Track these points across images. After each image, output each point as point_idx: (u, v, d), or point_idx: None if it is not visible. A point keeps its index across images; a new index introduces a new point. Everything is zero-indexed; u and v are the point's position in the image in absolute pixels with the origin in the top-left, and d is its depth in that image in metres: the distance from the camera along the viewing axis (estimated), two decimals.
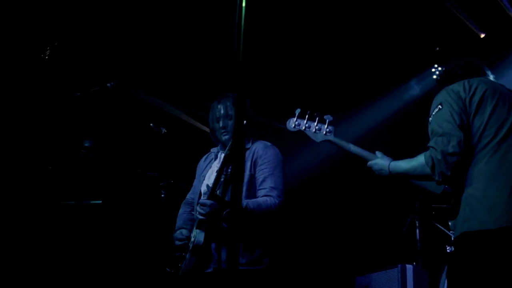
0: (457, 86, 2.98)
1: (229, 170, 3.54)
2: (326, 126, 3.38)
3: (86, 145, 4.77)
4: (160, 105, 6.31)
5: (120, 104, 5.79)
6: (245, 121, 3.47)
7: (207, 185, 3.62)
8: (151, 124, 4.62)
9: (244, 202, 3.53)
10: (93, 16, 5.59)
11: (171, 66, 6.28)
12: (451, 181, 2.87)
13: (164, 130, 4.61)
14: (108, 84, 4.17)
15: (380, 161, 3.20)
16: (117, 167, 4.83)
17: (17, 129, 5.41)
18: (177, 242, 3.78)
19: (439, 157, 2.78)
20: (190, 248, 3.60)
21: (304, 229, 6.77)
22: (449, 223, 3.02)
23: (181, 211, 4.14)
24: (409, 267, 4.90)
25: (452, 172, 2.77)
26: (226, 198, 3.52)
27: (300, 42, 6.26)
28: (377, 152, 3.26)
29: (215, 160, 3.99)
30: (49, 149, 5.26)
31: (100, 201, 4.98)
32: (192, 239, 3.64)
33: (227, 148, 3.56)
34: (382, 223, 6.41)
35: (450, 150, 2.77)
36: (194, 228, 3.65)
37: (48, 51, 5.11)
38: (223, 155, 3.86)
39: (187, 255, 3.64)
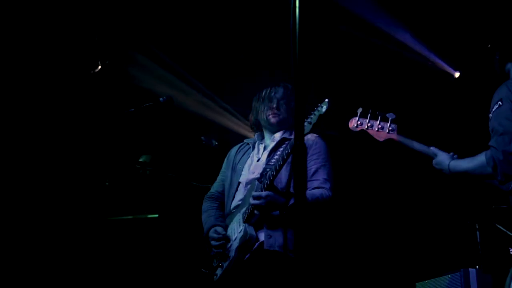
0: None
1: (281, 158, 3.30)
2: (389, 124, 3.33)
3: (141, 160, 4.86)
4: (212, 117, 6.35)
5: (173, 118, 5.86)
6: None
7: (254, 178, 3.42)
8: (202, 137, 4.66)
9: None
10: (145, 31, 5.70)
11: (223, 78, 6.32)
12: None
13: (215, 143, 4.63)
14: (161, 99, 4.21)
15: (440, 159, 3.15)
16: (172, 180, 4.87)
17: (74, 147, 5.54)
18: (214, 242, 3.52)
19: (501, 157, 2.71)
20: (238, 244, 3.33)
21: (364, 233, 6.68)
22: None
23: (206, 206, 3.87)
24: (472, 271, 4.74)
25: None
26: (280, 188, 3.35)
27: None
28: (431, 148, 3.21)
29: (253, 150, 3.73)
30: (105, 165, 5.36)
31: (157, 215, 5.05)
32: (236, 235, 3.40)
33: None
34: (442, 226, 6.27)
35: None
36: (238, 223, 3.42)
37: (100, 68, 5.22)
38: (261, 145, 3.70)
39: (232, 254, 3.38)
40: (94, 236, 5.42)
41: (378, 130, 3.32)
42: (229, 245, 3.45)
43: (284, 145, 3.45)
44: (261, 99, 3.71)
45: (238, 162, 3.74)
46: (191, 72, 6.15)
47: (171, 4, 5.68)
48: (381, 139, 3.32)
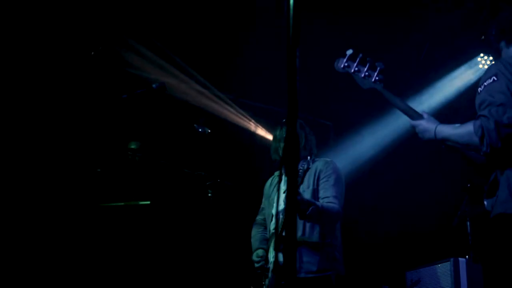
0: None
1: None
2: (376, 74, 3.12)
3: (133, 147, 4.85)
4: (204, 105, 6.33)
5: (165, 105, 5.84)
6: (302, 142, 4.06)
7: (283, 209, 3.82)
8: (195, 125, 4.66)
9: (319, 203, 3.80)
10: (137, 19, 5.66)
11: (214, 65, 6.28)
12: (497, 155, 2.68)
13: (208, 130, 4.64)
14: (154, 85, 4.20)
15: (425, 123, 3.01)
16: (164, 167, 4.86)
17: (66, 132, 5.52)
18: (256, 264, 4.10)
19: (491, 127, 2.61)
20: (272, 268, 3.85)
21: (353, 223, 6.72)
22: (485, 202, 2.86)
23: (253, 232, 4.41)
24: (462, 261, 4.76)
25: (503, 144, 2.60)
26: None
27: None
28: (423, 113, 3.07)
29: (280, 182, 4.12)
30: (97, 151, 5.34)
31: (149, 202, 5.05)
32: (272, 259, 3.92)
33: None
34: (432, 216, 6.30)
35: (505, 121, 2.59)
36: (272, 248, 3.95)
37: (93, 55, 5.19)
38: (286, 178, 3.99)
39: (270, 274, 3.88)
40: (86, 222, 5.41)
41: (364, 77, 3.13)
42: (267, 266, 3.96)
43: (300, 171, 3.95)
44: (275, 139, 4.24)
45: (270, 194, 4.29)
46: (184, 58, 6.12)
47: None
48: (365, 87, 3.13)
